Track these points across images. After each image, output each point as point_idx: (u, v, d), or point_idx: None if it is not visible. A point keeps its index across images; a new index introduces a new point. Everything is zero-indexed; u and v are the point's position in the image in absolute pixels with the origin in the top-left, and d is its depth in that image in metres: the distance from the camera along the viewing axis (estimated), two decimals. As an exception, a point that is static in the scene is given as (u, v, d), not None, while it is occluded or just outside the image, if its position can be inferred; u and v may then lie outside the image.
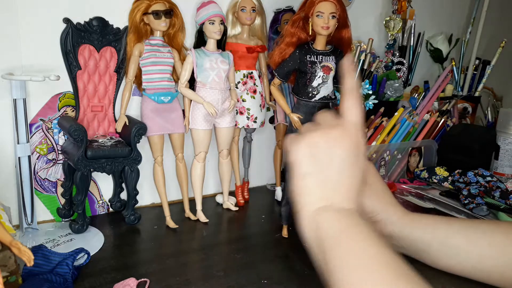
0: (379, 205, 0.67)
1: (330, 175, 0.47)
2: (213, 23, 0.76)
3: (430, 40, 1.24)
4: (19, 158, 0.70)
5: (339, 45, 0.71)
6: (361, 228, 0.44)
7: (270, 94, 0.90)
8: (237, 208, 0.87)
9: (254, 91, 0.86)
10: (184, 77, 0.78)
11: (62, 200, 0.78)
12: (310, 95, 0.68)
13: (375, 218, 0.67)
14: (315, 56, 0.68)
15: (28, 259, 0.50)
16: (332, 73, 0.69)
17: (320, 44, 0.69)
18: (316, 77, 0.68)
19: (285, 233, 0.75)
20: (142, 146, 0.76)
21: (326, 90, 0.69)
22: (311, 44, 0.69)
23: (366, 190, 0.68)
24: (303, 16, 0.67)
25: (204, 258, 0.67)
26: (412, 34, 1.12)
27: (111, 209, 0.84)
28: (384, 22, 1.12)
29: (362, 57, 0.99)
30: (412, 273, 0.41)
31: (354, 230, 0.44)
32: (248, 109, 0.86)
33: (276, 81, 0.70)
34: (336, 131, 0.48)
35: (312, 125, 0.51)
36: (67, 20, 0.72)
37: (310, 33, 0.68)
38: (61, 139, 0.77)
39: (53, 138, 0.76)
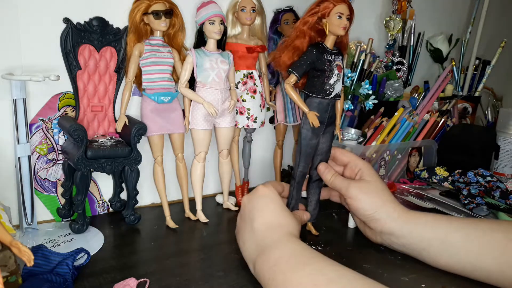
0: (378, 202, 0.67)
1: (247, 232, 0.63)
2: (213, 23, 0.76)
3: (430, 40, 1.24)
4: (19, 158, 0.70)
5: (339, 47, 0.74)
6: (283, 261, 0.54)
7: (270, 94, 0.91)
8: (237, 208, 0.87)
9: (254, 91, 0.86)
10: (184, 77, 0.78)
11: (62, 200, 0.78)
12: (327, 92, 0.70)
13: (375, 216, 0.67)
14: (330, 55, 0.70)
15: (28, 259, 0.50)
16: (342, 72, 0.72)
17: (330, 44, 0.71)
18: (333, 75, 0.70)
19: (285, 233, 0.75)
20: (142, 146, 0.76)
21: (338, 87, 0.71)
22: (324, 44, 0.71)
23: (364, 186, 0.68)
24: (319, 16, 0.69)
25: (204, 258, 0.67)
26: (412, 34, 1.12)
27: (111, 209, 0.84)
28: (384, 22, 1.12)
29: (362, 57, 0.99)
30: None
31: (277, 269, 0.53)
32: (248, 109, 0.86)
33: (293, 79, 0.70)
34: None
35: None
36: (67, 20, 0.72)
37: (327, 33, 0.70)
38: (61, 139, 0.77)
39: (53, 138, 0.76)
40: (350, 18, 0.69)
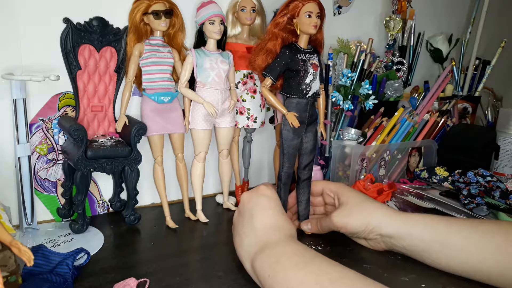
0: (365, 215, 0.68)
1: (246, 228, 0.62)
2: (213, 23, 0.76)
3: (430, 40, 1.24)
4: (19, 158, 0.70)
5: (314, 45, 0.74)
6: (285, 259, 0.53)
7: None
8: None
9: (254, 91, 0.86)
10: (184, 77, 0.78)
11: (62, 200, 0.78)
12: (304, 92, 0.71)
13: (368, 228, 0.68)
14: (303, 55, 0.71)
15: (28, 259, 0.50)
16: (318, 70, 0.72)
17: (303, 44, 0.71)
18: (308, 74, 0.70)
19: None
20: (142, 146, 0.76)
21: (316, 86, 0.72)
22: (297, 44, 0.72)
23: (344, 211, 0.69)
24: (288, 17, 0.70)
25: (204, 258, 0.67)
26: (412, 34, 1.12)
27: (111, 209, 0.84)
28: (384, 22, 1.12)
29: (362, 57, 0.99)
30: None
31: (278, 266, 0.53)
32: (248, 109, 0.86)
33: (268, 81, 0.71)
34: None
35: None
36: (67, 20, 0.72)
37: (299, 33, 0.71)
38: (61, 139, 0.77)
39: (53, 138, 0.76)
40: (320, 16, 0.70)
